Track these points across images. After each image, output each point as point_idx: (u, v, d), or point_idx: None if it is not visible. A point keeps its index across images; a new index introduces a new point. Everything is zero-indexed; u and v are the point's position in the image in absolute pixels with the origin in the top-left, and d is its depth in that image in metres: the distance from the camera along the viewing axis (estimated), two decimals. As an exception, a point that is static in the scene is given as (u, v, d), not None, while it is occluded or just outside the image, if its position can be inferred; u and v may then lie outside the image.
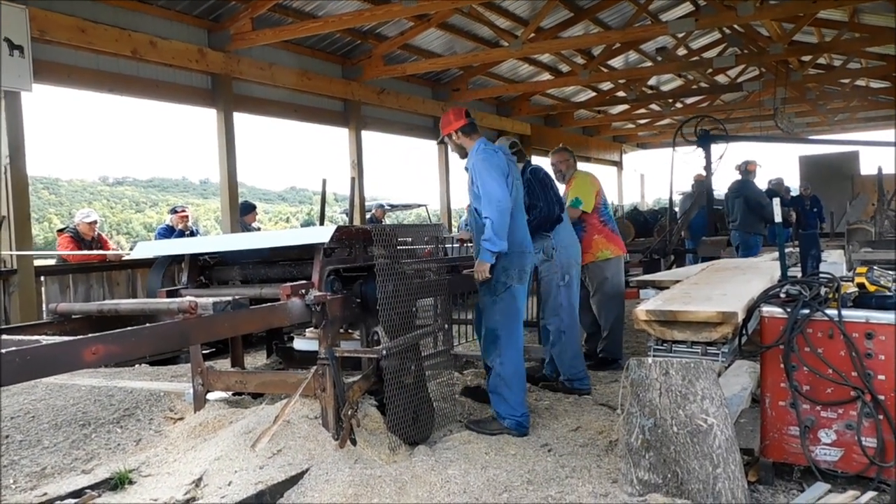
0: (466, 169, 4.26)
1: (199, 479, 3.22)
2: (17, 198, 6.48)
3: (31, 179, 6.90)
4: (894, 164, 10.40)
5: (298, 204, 53.29)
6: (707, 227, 9.63)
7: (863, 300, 3.10)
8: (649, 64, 13.81)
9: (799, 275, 3.66)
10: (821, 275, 3.31)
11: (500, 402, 4.08)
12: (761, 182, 12.01)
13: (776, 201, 3.91)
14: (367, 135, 11.49)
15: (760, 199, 8.65)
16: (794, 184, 14.77)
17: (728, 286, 3.73)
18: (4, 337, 2.82)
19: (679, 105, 17.47)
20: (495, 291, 4.11)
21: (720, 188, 10.33)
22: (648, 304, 3.23)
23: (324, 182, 6.89)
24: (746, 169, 9.02)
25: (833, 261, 4.80)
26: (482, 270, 4.04)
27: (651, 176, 40.99)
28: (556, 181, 5.42)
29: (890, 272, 3.32)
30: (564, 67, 13.49)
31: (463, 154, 4.32)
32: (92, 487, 3.27)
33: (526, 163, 5.21)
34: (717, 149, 9.62)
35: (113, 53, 7.47)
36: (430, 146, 13.55)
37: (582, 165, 6.48)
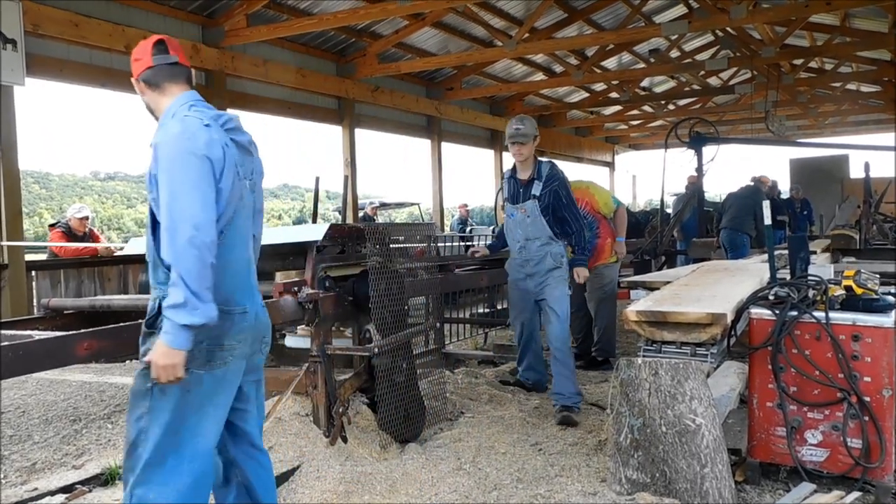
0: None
1: (190, 475, 3.22)
2: (9, 192, 6.46)
3: (22, 174, 6.89)
4: (895, 170, 10.51)
5: (291, 201, 53.14)
6: (699, 228, 9.69)
7: (850, 303, 3.13)
8: (642, 65, 13.86)
9: (788, 277, 3.69)
10: (809, 277, 3.34)
11: None
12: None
13: (766, 204, 3.94)
14: (360, 132, 11.51)
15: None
16: (784, 186, 14.86)
17: (718, 288, 3.76)
18: (-4, 332, 2.82)
19: (671, 107, 17.55)
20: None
21: (712, 190, 10.40)
22: (639, 305, 3.25)
23: (317, 179, 6.87)
24: (760, 181, 9.12)
25: (821, 263, 4.84)
26: (175, 365, 2.11)
27: (643, 177, 41.16)
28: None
29: (877, 275, 3.36)
30: (558, 68, 13.52)
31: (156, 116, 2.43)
32: (82, 483, 3.27)
33: (539, 162, 4.50)
34: (708, 151, 9.69)
35: (106, 48, 7.46)
36: (424, 144, 13.59)
37: (574, 166, 6.53)
